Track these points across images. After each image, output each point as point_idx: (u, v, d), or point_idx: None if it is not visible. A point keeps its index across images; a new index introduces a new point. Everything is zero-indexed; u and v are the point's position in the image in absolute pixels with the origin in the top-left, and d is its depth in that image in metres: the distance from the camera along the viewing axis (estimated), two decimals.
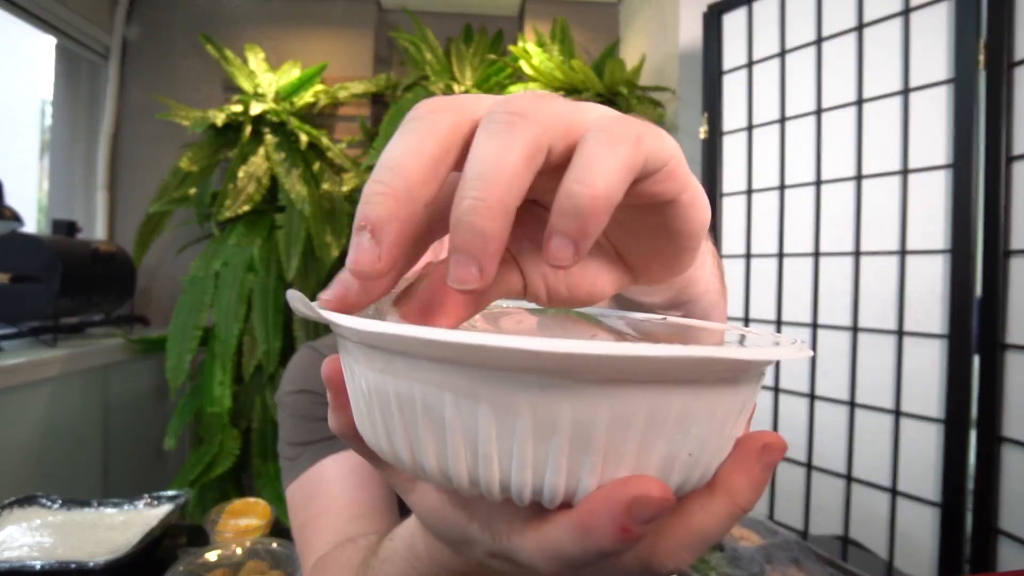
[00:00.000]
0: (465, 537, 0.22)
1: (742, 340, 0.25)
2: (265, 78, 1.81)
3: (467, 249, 0.15)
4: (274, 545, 0.70)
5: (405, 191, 0.16)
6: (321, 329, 1.64)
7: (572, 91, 1.74)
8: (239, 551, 0.68)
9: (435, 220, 0.19)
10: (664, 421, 0.16)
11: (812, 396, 1.16)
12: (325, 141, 1.77)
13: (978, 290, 0.94)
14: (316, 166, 1.76)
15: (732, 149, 1.31)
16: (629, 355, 0.14)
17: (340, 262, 1.79)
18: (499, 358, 0.15)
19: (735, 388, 0.18)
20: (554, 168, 0.17)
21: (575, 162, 0.16)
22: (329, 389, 0.22)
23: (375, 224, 0.16)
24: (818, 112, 1.15)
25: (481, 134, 0.16)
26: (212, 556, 0.67)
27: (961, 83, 0.95)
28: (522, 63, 1.81)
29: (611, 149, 0.16)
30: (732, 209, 1.31)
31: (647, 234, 0.22)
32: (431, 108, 0.17)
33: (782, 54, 1.20)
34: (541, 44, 1.87)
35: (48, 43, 1.76)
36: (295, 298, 0.17)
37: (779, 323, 1.21)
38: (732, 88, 1.30)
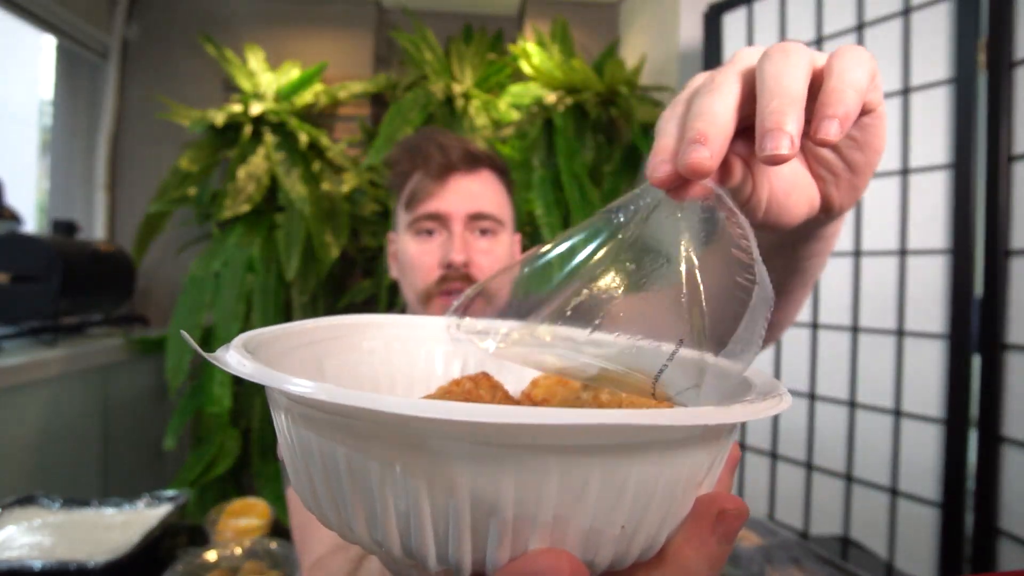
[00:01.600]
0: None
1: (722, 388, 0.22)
2: (265, 78, 1.81)
3: (781, 126, 0.22)
4: (273, 545, 0.70)
5: (721, 121, 0.24)
6: None
7: (572, 91, 1.74)
8: (238, 551, 0.68)
9: None
10: (582, 493, 0.15)
11: (812, 396, 1.16)
12: (325, 141, 1.77)
13: (978, 290, 0.94)
14: (316, 166, 1.76)
15: None
16: (518, 422, 0.13)
17: (340, 262, 1.79)
18: (382, 418, 0.15)
19: (682, 453, 0.16)
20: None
21: (834, 71, 0.23)
22: None
23: (706, 137, 0.23)
24: None
25: (766, 64, 0.24)
26: (211, 556, 0.67)
27: (961, 83, 0.95)
28: (522, 63, 1.81)
29: (859, 60, 0.24)
30: None
31: (847, 147, 0.29)
32: (723, 78, 0.25)
33: None
34: (541, 44, 1.87)
35: (48, 43, 1.76)
36: (186, 338, 0.19)
37: None
38: None
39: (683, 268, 0.23)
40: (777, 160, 0.22)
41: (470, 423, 0.13)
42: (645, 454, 0.15)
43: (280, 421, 0.19)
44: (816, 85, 0.24)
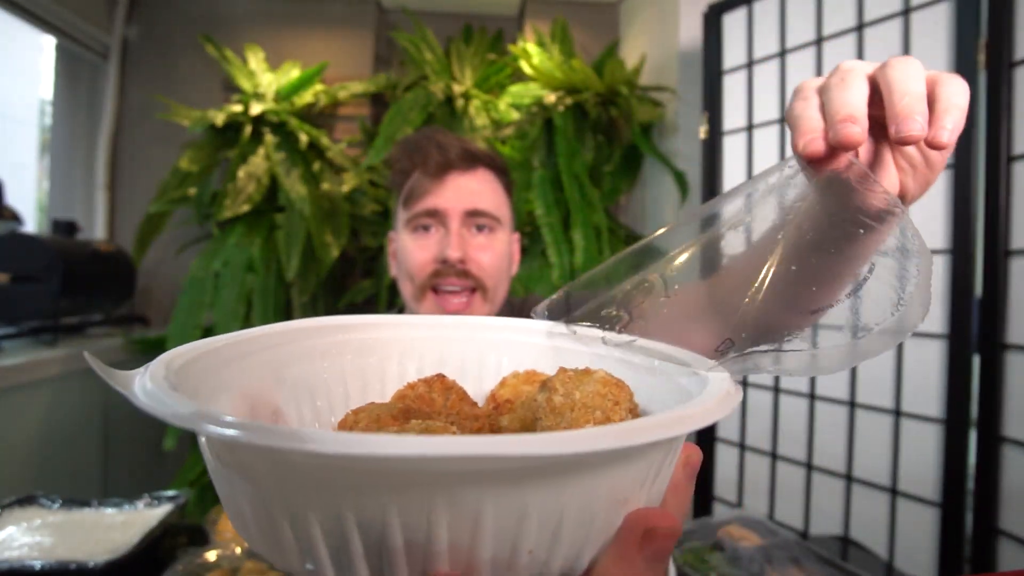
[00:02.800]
0: None
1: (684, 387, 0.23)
2: (265, 78, 1.81)
3: (913, 114, 0.29)
4: None
5: (863, 108, 0.30)
6: None
7: (572, 91, 1.74)
8: (238, 551, 0.68)
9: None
10: (476, 522, 0.14)
11: (812, 396, 1.16)
12: (325, 141, 1.77)
13: (978, 290, 0.94)
14: (316, 166, 1.76)
15: (732, 149, 1.31)
16: (371, 454, 0.12)
17: (340, 262, 1.79)
18: (262, 450, 0.15)
19: (591, 475, 0.15)
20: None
21: (945, 92, 0.30)
22: None
23: (855, 118, 0.30)
24: None
25: (891, 71, 0.31)
26: (212, 556, 0.67)
27: None
28: (522, 63, 1.81)
29: (962, 85, 0.31)
30: None
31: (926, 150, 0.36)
32: (852, 79, 0.32)
33: (782, 54, 1.20)
34: (541, 44, 1.87)
35: (48, 43, 1.76)
36: (91, 360, 0.19)
37: None
38: (732, 88, 1.30)
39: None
40: (910, 140, 0.29)
41: (322, 454, 0.13)
42: (543, 480, 0.14)
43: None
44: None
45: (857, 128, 0.29)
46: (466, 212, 0.73)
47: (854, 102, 0.30)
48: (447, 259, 0.70)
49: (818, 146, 0.31)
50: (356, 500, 0.14)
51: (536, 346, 0.30)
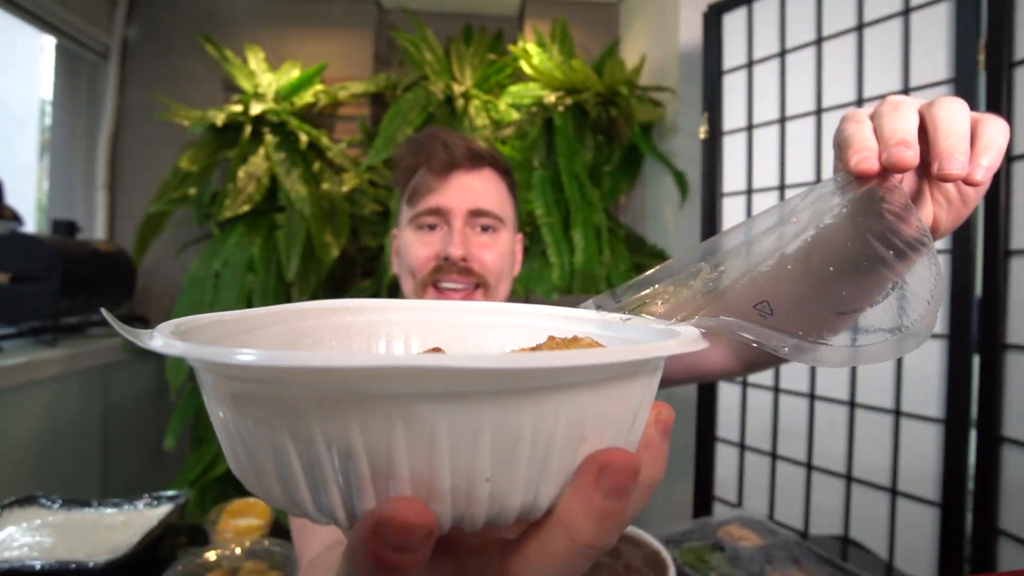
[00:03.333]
0: None
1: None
2: (265, 78, 1.81)
3: (956, 154, 0.31)
4: (273, 546, 0.70)
5: (915, 135, 0.32)
6: None
7: (572, 91, 1.74)
8: (238, 551, 0.68)
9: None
10: (431, 438, 0.15)
11: (812, 396, 1.16)
12: (325, 141, 1.77)
13: (978, 290, 0.94)
14: (316, 166, 1.76)
15: (732, 149, 1.31)
16: (323, 366, 0.13)
17: (340, 262, 1.79)
18: (232, 370, 0.16)
19: (543, 402, 0.15)
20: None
21: (987, 131, 0.32)
22: None
23: (910, 143, 0.31)
24: (818, 112, 1.15)
25: (939, 110, 0.33)
26: (211, 556, 0.67)
27: (961, 83, 0.95)
28: (522, 63, 1.81)
29: (1003, 126, 0.33)
30: (732, 209, 1.31)
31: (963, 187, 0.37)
32: (905, 109, 0.34)
33: (782, 54, 1.20)
34: (541, 44, 1.87)
35: (48, 43, 1.76)
36: (107, 316, 0.19)
37: None
38: (732, 88, 1.30)
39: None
40: (950, 178, 0.31)
41: (296, 368, 0.13)
42: (496, 402, 0.15)
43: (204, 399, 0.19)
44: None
45: (910, 152, 0.31)
46: (470, 211, 0.73)
47: (908, 128, 0.32)
48: (449, 256, 0.71)
49: (871, 164, 0.32)
50: (323, 423, 0.15)
51: (539, 328, 0.30)
